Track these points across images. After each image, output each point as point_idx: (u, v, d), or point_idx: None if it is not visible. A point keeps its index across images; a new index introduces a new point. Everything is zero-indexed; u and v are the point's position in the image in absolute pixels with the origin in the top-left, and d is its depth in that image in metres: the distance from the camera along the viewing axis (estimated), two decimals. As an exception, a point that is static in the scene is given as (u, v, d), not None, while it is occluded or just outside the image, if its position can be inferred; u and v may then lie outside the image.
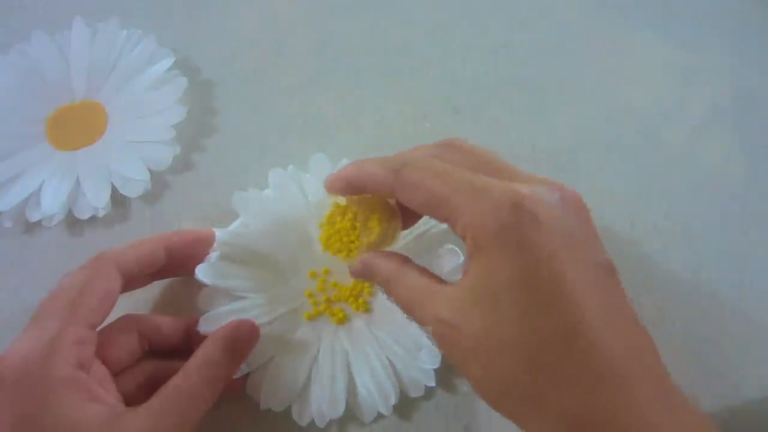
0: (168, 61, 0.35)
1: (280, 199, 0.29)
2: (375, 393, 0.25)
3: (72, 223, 0.31)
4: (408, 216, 0.24)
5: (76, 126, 0.34)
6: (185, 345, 0.26)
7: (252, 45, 0.38)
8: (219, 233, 0.28)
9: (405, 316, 0.27)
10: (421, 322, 0.21)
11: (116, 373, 0.24)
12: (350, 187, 0.22)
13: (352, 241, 0.24)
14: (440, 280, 0.21)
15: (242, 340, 0.25)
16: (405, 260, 0.22)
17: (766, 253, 0.32)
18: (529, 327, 0.18)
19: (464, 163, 0.21)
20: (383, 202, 0.24)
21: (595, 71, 0.38)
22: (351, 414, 0.26)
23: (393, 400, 0.26)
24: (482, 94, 0.36)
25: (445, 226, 0.27)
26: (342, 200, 0.25)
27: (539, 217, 0.18)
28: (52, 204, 0.30)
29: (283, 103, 0.36)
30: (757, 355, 0.29)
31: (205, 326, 0.25)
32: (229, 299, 0.27)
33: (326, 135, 0.35)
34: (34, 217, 0.31)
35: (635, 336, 0.19)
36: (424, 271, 0.22)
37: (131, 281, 0.25)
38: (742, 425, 0.27)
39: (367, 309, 0.28)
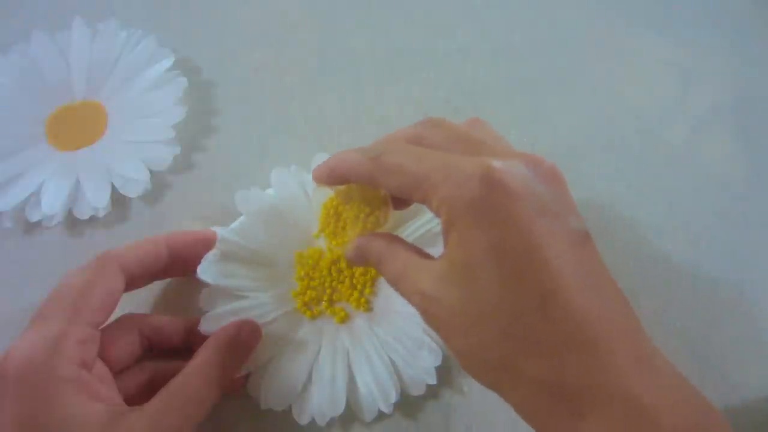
0: (168, 61, 0.35)
1: (282, 198, 0.29)
2: (376, 391, 0.26)
3: (72, 223, 0.31)
4: (398, 201, 0.24)
5: (76, 126, 0.34)
6: (186, 345, 0.26)
7: (252, 45, 0.38)
8: (220, 232, 0.28)
9: (405, 315, 0.27)
10: (406, 296, 0.21)
11: (116, 373, 0.24)
12: (334, 176, 0.23)
13: (344, 228, 0.25)
14: (426, 255, 0.22)
15: (244, 340, 0.25)
16: (394, 238, 0.23)
17: (766, 253, 0.32)
18: (503, 296, 0.18)
19: (444, 142, 0.22)
20: (371, 189, 0.24)
21: (595, 71, 0.38)
22: (352, 413, 0.26)
23: (394, 399, 0.26)
24: (482, 94, 0.36)
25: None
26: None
27: (510, 187, 0.19)
28: (52, 204, 0.30)
29: (284, 103, 0.36)
30: (757, 355, 0.29)
31: (206, 326, 0.25)
32: (231, 299, 0.27)
33: (327, 135, 0.35)
34: (34, 217, 0.31)
35: (612, 301, 0.19)
36: (411, 247, 0.22)
37: (133, 281, 0.25)
38: (742, 425, 0.27)
39: (368, 308, 0.28)
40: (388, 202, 0.24)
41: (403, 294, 0.21)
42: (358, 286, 0.28)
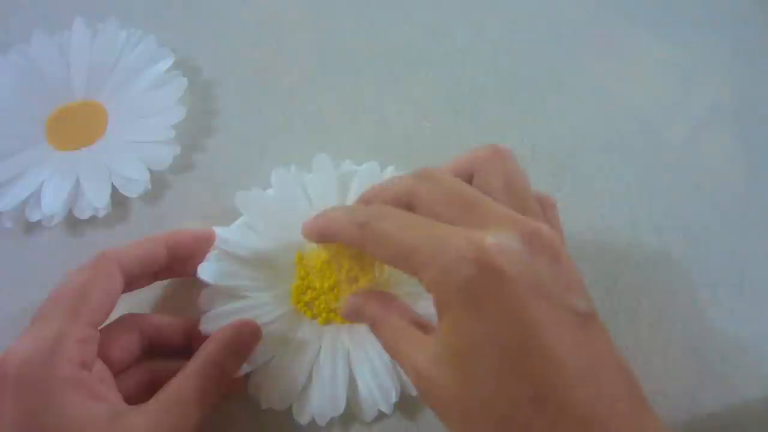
0: (168, 61, 0.35)
1: (282, 199, 0.29)
2: (376, 391, 0.26)
3: (72, 223, 0.31)
4: None
5: (76, 126, 0.34)
6: (186, 345, 0.26)
7: (252, 45, 0.38)
8: (221, 231, 0.28)
9: None
10: (403, 369, 0.21)
11: (117, 373, 0.24)
12: (323, 237, 0.23)
13: (331, 290, 0.26)
14: (421, 324, 0.21)
15: (244, 340, 0.25)
16: (388, 302, 0.23)
17: (766, 253, 0.32)
18: (499, 388, 0.17)
19: (437, 202, 0.21)
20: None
21: (595, 71, 0.38)
22: (352, 413, 0.26)
23: (394, 399, 0.26)
24: (482, 94, 0.36)
25: None
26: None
27: (504, 270, 0.17)
28: (52, 204, 0.30)
29: (284, 103, 0.36)
30: (757, 355, 0.29)
31: (206, 326, 0.25)
32: (231, 299, 0.27)
33: (326, 135, 0.35)
34: (34, 217, 0.31)
35: (615, 386, 0.18)
36: (406, 313, 0.22)
37: (133, 281, 0.25)
38: (742, 425, 0.27)
39: None
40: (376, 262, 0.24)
41: (400, 365, 0.21)
42: (358, 287, 0.28)
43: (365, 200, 0.24)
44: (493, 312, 0.18)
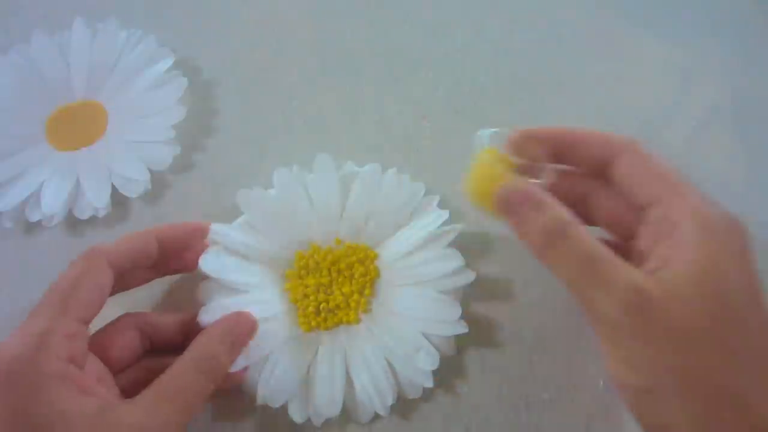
0: (168, 61, 0.35)
1: (284, 199, 0.29)
2: (372, 393, 0.25)
3: (72, 223, 0.31)
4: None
5: (76, 126, 0.34)
6: (186, 340, 0.26)
7: (252, 45, 0.38)
8: (223, 227, 0.28)
9: (403, 317, 0.27)
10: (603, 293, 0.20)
11: (118, 372, 0.24)
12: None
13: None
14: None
15: (240, 332, 0.24)
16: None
17: (767, 253, 0.32)
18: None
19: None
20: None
21: (595, 71, 0.38)
22: (348, 414, 0.26)
23: (390, 401, 0.26)
24: (482, 94, 0.36)
25: (449, 227, 0.28)
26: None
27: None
28: (52, 204, 0.30)
29: (283, 103, 0.36)
30: (756, 355, 0.29)
31: (204, 318, 0.25)
32: (230, 292, 0.27)
33: (326, 135, 0.35)
34: (34, 217, 0.31)
35: None
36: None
37: (125, 275, 0.25)
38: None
39: (366, 309, 0.28)
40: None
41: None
42: (357, 288, 0.28)
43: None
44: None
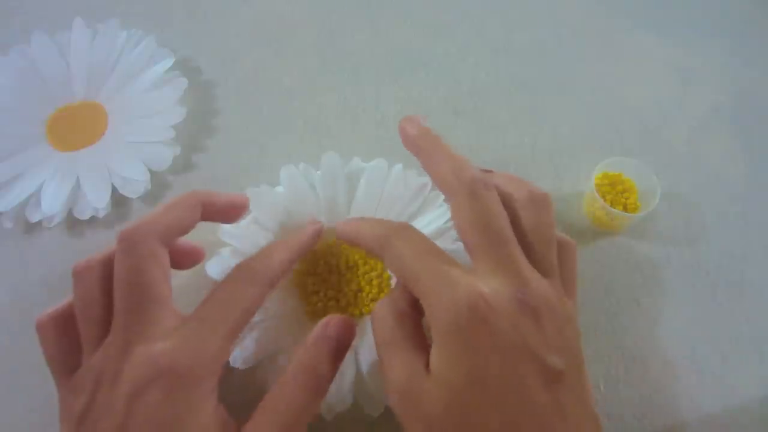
0: (168, 62, 0.35)
1: (291, 195, 0.29)
2: (383, 387, 0.25)
3: (72, 223, 0.31)
4: None
5: (76, 126, 0.34)
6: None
7: (252, 45, 0.38)
8: (230, 228, 0.28)
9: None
10: (384, 377, 0.21)
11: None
12: (351, 242, 0.25)
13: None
14: (415, 332, 0.22)
15: (335, 337, 0.23)
16: (392, 302, 0.23)
17: (766, 253, 0.32)
18: (484, 422, 0.19)
19: (474, 223, 0.22)
20: None
21: (595, 71, 0.38)
22: (359, 407, 0.26)
23: None
24: (482, 94, 0.36)
25: None
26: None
27: (489, 322, 0.19)
28: (52, 204, 0.30)
29: (284, 103, 0.36)
30: (756, 355, 0.29)
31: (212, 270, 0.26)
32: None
33: (326, 135, 0.35)
34: (34, 217, 0.31)
35: None
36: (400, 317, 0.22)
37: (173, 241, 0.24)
38: (742, 425, 0.27)
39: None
40: None
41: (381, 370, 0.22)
42: (365, 283, 0.28)
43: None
44: (470, 357, 0.19)
